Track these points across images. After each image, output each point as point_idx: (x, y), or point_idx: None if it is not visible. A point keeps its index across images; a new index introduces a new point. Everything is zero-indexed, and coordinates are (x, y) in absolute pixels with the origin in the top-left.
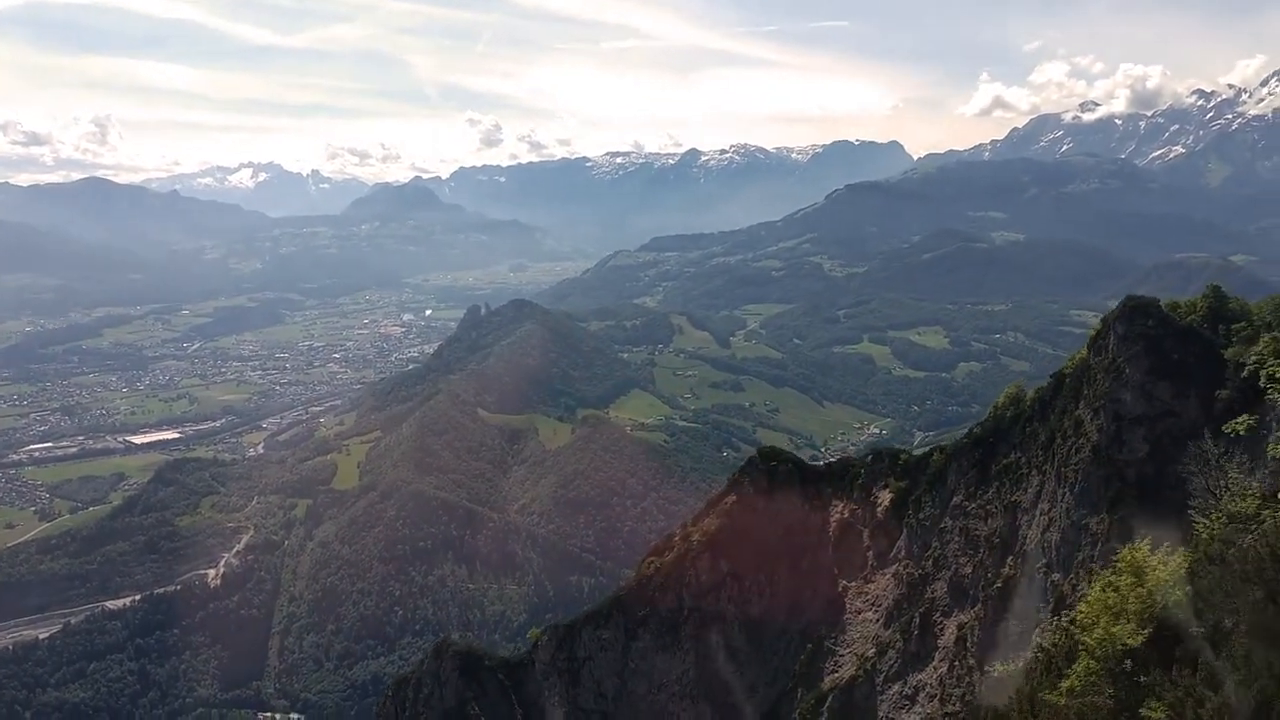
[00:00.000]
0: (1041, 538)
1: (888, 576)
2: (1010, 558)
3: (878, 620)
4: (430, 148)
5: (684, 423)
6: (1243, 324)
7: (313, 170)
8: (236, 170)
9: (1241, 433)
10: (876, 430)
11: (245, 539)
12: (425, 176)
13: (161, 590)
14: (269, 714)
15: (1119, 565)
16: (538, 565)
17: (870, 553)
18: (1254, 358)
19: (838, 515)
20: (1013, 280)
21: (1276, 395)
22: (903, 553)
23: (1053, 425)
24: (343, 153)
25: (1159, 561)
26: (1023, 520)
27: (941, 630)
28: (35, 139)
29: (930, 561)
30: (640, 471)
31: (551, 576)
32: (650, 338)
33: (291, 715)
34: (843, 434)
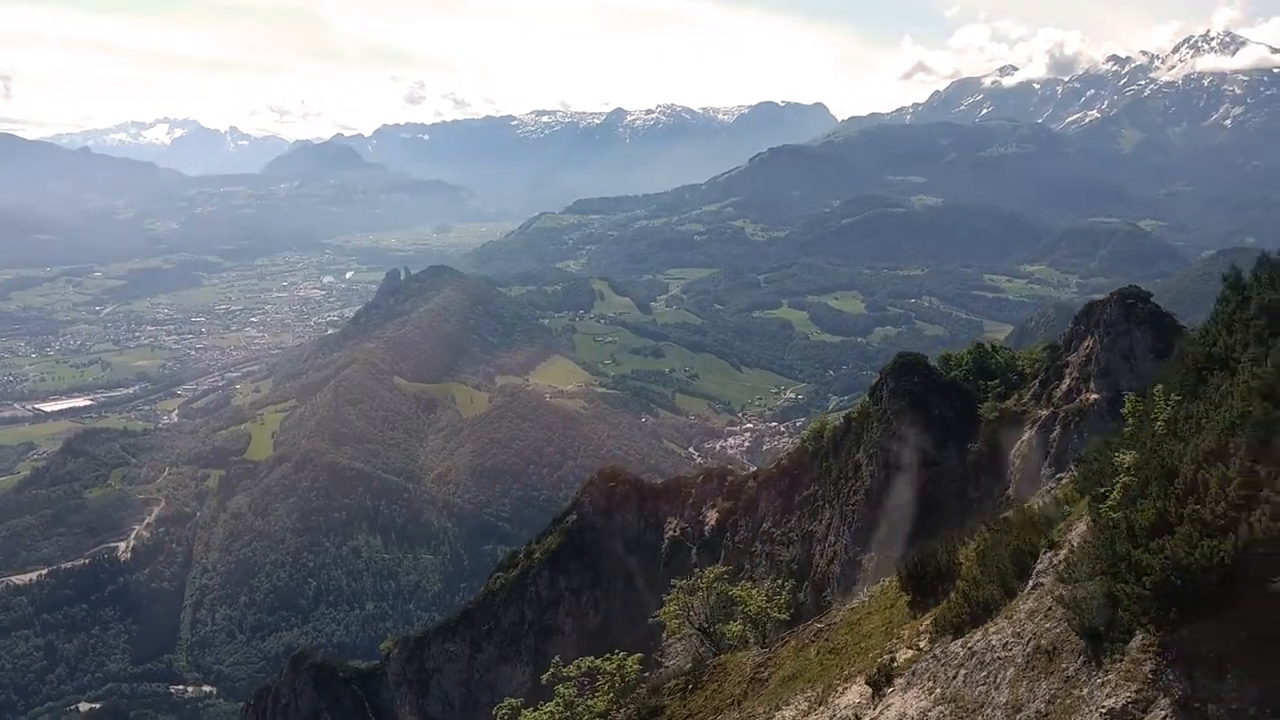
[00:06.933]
0: (827, 568)
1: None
2: (805, 584)
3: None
4: (352, 104)
5: (603, 389)
6: (996, 380)
7: (231, 127)
8: (152, 126)
9: None
10: (793, 395)
11: (156, 511)
12: (347, 134)
13: (69, 564)
14: (181, 687)
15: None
16: (453, 534)
17: (697, 569)
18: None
19: (670, 533)
20: (930, 245)
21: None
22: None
23: (841, 464)
24: (262, 109)
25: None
26: (816, 550)
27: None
28: None
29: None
30: (558, 440)
31: (467, 545)
32: (572, 303)
33: (204, 687)
34: (760, 399)
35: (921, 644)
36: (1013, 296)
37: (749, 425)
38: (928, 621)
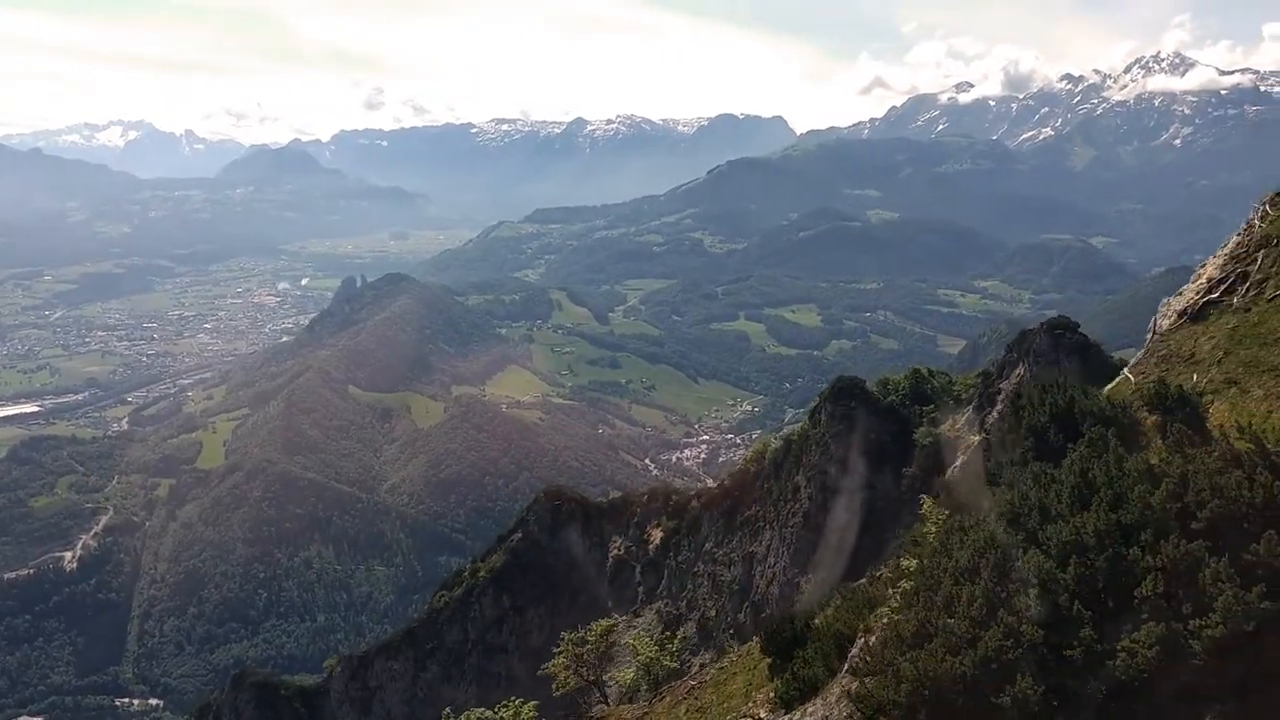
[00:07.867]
0: (767, 590)
1: (653, 612)
2: (745, 604)
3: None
4: (310, 109)
5: (560, 400)
6: (931, 406)
7: (186, 130)
8: (105, 128)
9: None
10: (749, 407)
11: (104, 520)
12: (304, 139)
13: (13, 574)
14: (127, 700)
15: None
16: (407, 546)
17: (641, 588)
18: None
19: (615, 551)
20: (885, 259)
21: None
22: (665, 591)
23: (782, 486)
24: (218, 112)
25: None
26: (757, 570)
27: (687, 671)
28: None
29: (685, 602)
30: (513, 450)
31: (421, 557)
32: (529, 313)
33: (151, 700)
34: (716, 411)
35: (762, 714)
36: (967, 311)
37: (705, 437)
38: (772, 692)
